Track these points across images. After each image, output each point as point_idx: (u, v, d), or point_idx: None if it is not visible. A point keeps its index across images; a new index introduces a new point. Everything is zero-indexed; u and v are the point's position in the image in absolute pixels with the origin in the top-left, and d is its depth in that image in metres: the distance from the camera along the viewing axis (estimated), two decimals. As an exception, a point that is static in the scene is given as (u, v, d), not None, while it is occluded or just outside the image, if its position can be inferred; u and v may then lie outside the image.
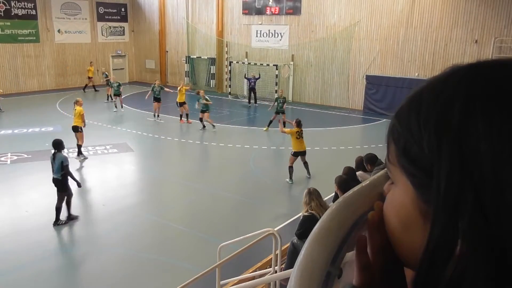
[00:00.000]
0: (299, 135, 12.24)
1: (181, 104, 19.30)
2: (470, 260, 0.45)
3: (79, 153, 13.98)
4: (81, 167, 13.40)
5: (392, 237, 0.56)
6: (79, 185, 9.99)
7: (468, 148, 0.46)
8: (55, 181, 9.60)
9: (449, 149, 0.47)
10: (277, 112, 17.91)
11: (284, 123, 17.63)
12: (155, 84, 20.06)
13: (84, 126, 14.15)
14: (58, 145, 9.71)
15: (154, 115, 19.86)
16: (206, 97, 18.15)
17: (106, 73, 25.70)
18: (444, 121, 0.48)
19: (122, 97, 22.23)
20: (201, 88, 28.62)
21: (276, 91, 25.40)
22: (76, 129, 13.96)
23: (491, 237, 0.44)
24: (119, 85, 21.68)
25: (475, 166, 0.45)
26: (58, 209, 9.52)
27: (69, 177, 9.65)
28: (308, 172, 12.56)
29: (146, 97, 20.46)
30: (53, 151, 9.69)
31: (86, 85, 27.58)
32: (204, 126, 18.13)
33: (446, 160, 0.47)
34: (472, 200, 0.45)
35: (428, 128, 0.49)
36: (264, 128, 18.21)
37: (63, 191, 9.60)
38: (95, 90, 27.31)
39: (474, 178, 0.45)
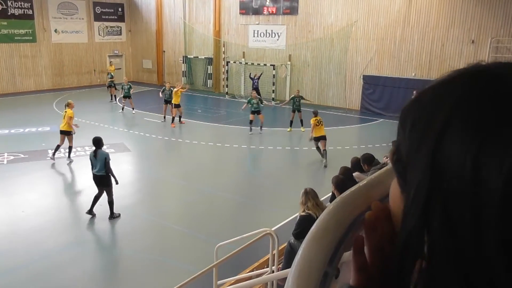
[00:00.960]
0: (318, 123, 13.89)
1: (176, 106, 18.74)
2: (433, 268, 0.46)
3: (69, 155, 13.82)
4: (79, 167, 13.37)
5: (396, 228, 0.57)
6: (116, 182, 9.96)
7: (442, 158, 0.45)
8: (99, 177, 9.77)
9: (424, 155, 0.47)
10: (294, 110, 18.03)
11: (301, 121, 17.75)
12: (165, 86, 19.51)
13: (74, 131, 13.79)
14: (99, 142, 9.86)
15: (165, 117, 19.29)
16: (259, 97, 17.74)
17: (112, 73, 25.51)
18: (429, 125, 0.48)
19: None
20: (198, 88, 28.76)
21: (273, 91, 25.46)
22: (67, 133, 13.61)
23: (456, 248, 0.44)
24: (130, 87, 21.30)
25: (446, 177, 0.45)
26: (110, 203, 9.82)
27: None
28: (325, 159, 13.75)
29: (161, 95, 19.78)
30: (93, 148, 9.88)
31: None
32: (251, 130, 17.62)
33: (419, 167, 0.47)
34: (439, 210, 0.45)
35: (415, 130, 0.50)
36: (288, 129, 18.17)
37: (109, 186, 9.80)
38: (115, 89, 26.95)
39: (443, 189, 0.45)
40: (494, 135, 0.43)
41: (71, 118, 13.60)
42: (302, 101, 18.24)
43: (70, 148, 13.73)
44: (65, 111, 13.80)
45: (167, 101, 19.22)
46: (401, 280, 0.50)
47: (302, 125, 17.82)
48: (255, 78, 24.18)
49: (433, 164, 0.46)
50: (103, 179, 9.78)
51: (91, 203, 9.93)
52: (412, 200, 0.48)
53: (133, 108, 21.30)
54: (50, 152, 14.48)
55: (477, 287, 0.43)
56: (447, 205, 0.45)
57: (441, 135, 0.46)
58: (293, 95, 18.69)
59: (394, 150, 0.53)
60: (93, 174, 9.90)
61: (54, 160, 13.69)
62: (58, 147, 13.75)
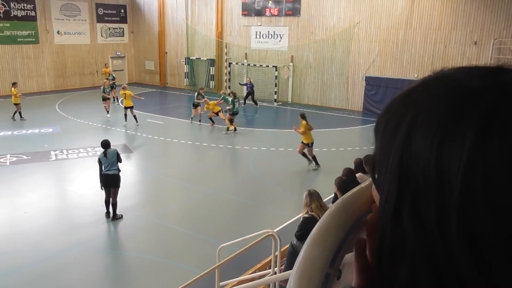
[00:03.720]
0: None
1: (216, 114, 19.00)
2: (406, 264, 0.48)
3: (136, 120, 18.69)
4: (82, 168, 13.40)
5: None
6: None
7: (409, 158, 0.48)
8: (111, 177, 9.79)
9: (393, 158, 0.50)
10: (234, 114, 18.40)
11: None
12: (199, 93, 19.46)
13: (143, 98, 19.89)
14: (107, 145, 9.99)
15: (192, 120, 19.50)
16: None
17: (113, 75, 25.41)
18: (397, 130, 0.50)
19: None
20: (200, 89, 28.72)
21: (275, 92, 25.45)
22: (131, 107, 18.61)
23: (425, 243, 0.46)
24: (111, 90, 21.30)
25: (413, 176, 0.47)
26: (114, 205, 9.88)
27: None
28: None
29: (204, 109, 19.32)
30: (102, 150, 9.94)
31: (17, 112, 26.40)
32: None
33: (389, 169, 0.50)
34: (409, 208, 0.48)
35: (385, 136, 0.52)
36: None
37: (118, 187, 9.90)
38: (15, 118, 25.49)
39: (411, 187, 0.47)
40: (452, 133, 0.45)
41: (131, 96, 18.48)
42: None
43: (135, 117, 18.77)
44: (124, 93, 18.39)
45: (195, 105, 19.35)
46: (382, 278, 0.52)
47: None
48: (249, 83, 24.18)
49: (401, 165, 0.49)
50: (115, 178, 9.85)
51: (107, 211, 9.99)
52: (385, 200, 0.51)
53: (107, 112, 21.01)
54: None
55: (446, 282, 0.45)
56: (416, 203, 0.47)
57: (408, 138, 0.48)
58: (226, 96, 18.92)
59: (372, 157, 0.56)
60: (104, 174, 9.82)
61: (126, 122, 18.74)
62: (135, 116, 18.75)
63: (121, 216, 10.03)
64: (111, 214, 9.96)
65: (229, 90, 21.64)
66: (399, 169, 0.49)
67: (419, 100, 0.50)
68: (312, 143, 13.44)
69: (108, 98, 20.94)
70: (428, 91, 0.51)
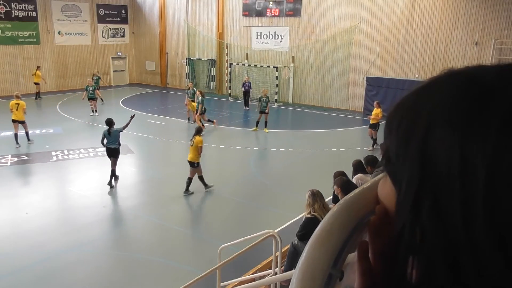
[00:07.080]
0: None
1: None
2: (422, 263, 0.48)
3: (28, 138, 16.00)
4: (82, 169, 13.41)
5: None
6: (133, 116, 12.77)
7: (429, 152, 0.48)
8: (112, 149, 11.89)
9: (412, 152, 0.50)
10: (261, 112, 18.19)
11: (265, 123, 17.94)
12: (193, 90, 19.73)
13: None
14: (111, 122, 11.96)
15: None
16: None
17: (98, 75, 24.80)
18: (415, 124, 0.50)
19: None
20: (200, 89, 28.73)
21: (276, 93, 25.44)
22: (23, 121, 15.56)
23: (445, 235, 0.46)
24: (94, 89, 21.05)
25: (434, 169, 0.47)
26: (113, 172, 11.93)
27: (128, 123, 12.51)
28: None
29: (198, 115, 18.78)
30: (107, 127, 11.86)
31: (38, 92, 25.21)
32: None
33: (408, 163, 0.50)
34: (430, 201, 0.48)
35: (401, 131, 0.52)
36: (253, 129, 18.49)
37: (117, 157, 11.98)
38: (37, 98, 24.90)
39: (432, 181, 0.47)
40: (475, 127, 0.45)
41: (23, 108, 15.77)
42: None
43: (27, 133, 15.79)
44: (17, 103, 15.63)
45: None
46: (396, 273, 0.52)
47: (265, 126, 18.28)
48: (247, 82, 24.01)
49: (421, 159, 0.49)
50: (115, 150, 11.91)
51: (110, 178, 11.79)
52: (403, 194, 0.51)
53: (96, 110, 20.88)
54: (49, 153, 14.53)
55: (464, 278, 0.45)
56: (437, 196, 0.47)
57: (427, 132, 0.48)
58: (260, 96, 18.66)
59: (384, 153, 0.56)
60: (107, 147, 11.90)
61: (19, 145, 15.49)
62: (27, 133, 15.83)
63: (112, 186, 11.74)
64: (109, 182, 11.79)
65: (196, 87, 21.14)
66: (419, 163, 0.49)
67: (436, 95, 0.51)
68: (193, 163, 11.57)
69: (95, 98, 20.80)
70: (444, 87, 0.51)
